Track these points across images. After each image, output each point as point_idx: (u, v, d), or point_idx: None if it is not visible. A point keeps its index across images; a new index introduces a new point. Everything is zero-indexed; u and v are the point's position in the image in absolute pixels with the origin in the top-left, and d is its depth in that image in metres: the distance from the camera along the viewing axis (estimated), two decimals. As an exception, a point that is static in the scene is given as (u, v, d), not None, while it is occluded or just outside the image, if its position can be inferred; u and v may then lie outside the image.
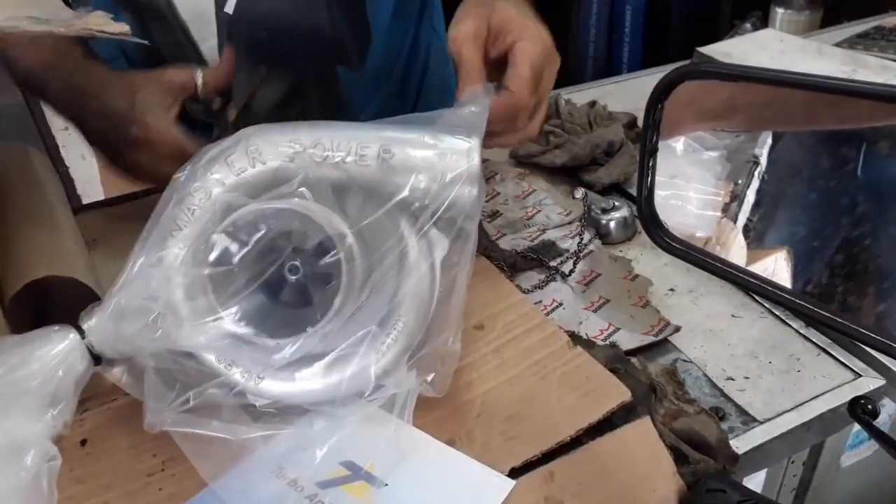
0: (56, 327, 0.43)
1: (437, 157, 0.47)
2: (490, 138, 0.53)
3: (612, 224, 0.73)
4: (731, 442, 0.51)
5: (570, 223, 0.75)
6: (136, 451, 0.51)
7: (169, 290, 0.45)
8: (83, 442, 0.51)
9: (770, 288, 0.44)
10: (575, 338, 0.59)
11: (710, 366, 0.59)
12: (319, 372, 0.48)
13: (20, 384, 0.38)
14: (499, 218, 0.77)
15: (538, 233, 0.74)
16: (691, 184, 0.61)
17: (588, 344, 0.58)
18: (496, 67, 0.58)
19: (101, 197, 0.96)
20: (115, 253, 0.68)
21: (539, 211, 0.78)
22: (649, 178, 0.39)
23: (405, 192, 0.47)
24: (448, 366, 0.49)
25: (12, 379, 0.38)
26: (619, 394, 0.51)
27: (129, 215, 0.79)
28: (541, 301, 0.65)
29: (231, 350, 0.47)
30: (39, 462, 0.37)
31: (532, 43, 0.56)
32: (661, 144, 0.41)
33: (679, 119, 0.46)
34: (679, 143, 0.55)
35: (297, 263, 0.48)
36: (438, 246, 0.48)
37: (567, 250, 0.71)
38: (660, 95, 0.36)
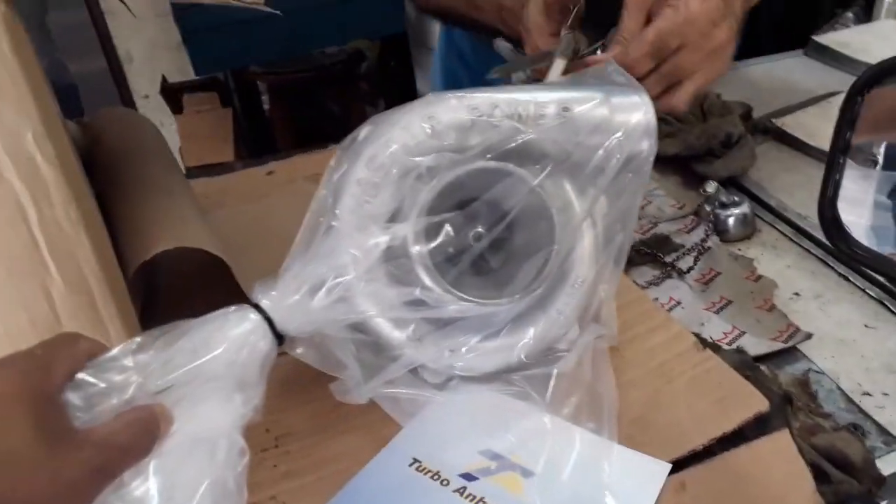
0: (232, 308, 0.41)
1: (616, 113, 0.46)
2: None
3: (732, 220, 0.69)
4: (874, 463, 0.48)
5: (683, 217, 0.72)
6: (249, 427, 0.50)
7: (351, 262, 0.43)
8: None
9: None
10: (699, 340, 0.56)
11: (844, 379, 0.55)
12: (503, 341, 0.48)
13: (206, 370, 0.37)
14: (607, 207, 0.74)
15: (650, 226, 0.71)
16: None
17: (713, 347, 0.55)
18: None
19: (181, 167, 0.97)
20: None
21: (650, 202, 0.74)
22: (837, 177, 0.36)
23: (582, 151, 0.46)
24: (611, 314, 0.50)
25: (198, 365, 0.37)
26: (756, 403, 0.48)
27: (212, 188, 0.78)
28: (657, 298, 0.62)
29: (420, 325, 0.46)
30: (230, 457, 0.36)
31: (673, 9, 0.56)
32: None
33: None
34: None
35: (481, 230, 0.47)
36: (598, 202, 0.48)
37: (682, 245, 0.68)
38: (861, 89, 0.33)
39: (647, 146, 0.46)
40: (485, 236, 0.47)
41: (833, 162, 0.35)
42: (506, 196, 0.46)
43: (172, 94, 2.20)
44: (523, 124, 0.45)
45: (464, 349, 0.47)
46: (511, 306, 0.47)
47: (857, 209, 0.72)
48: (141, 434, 0.33)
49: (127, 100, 2.50)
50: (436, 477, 0.45)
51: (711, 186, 0.66)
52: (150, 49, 2.60)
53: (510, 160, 0.46)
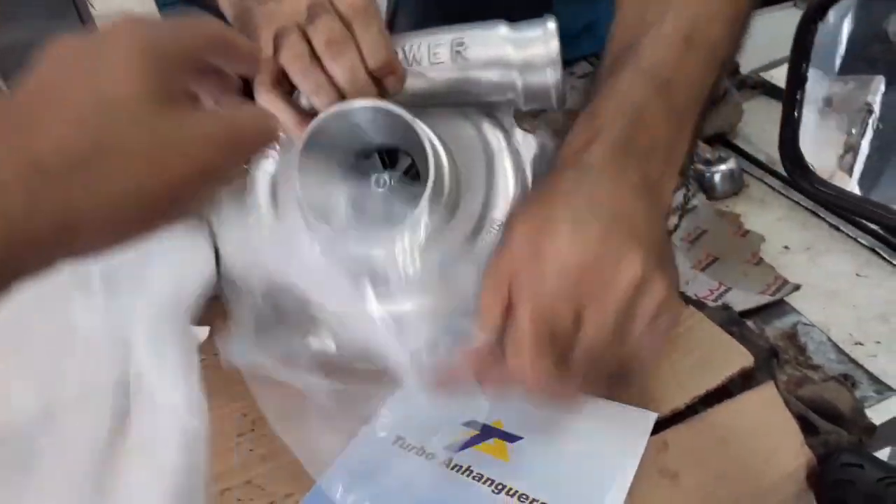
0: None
1: (513, 46, 0.45)
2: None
3: (717, 177, 0.67)
4: (865, 412, 0.46)
5: (669, 177, 0.70)
6: (224, 411, 0.50)
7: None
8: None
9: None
10: (683, 298, 0.54)
11: (835, 330, 0.54)
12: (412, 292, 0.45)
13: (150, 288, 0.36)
14: (591, 173, 0.73)
15: (634, 188, 0.69)
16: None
17: (698, 305, 0.54)
18: None
19: None
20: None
21: (634, 165, 0.73)
22: (796, 114, 0.34)
23: (483, 88, 0.45)
24: None
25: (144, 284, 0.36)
26: (739, 359, 0.47)
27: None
28: (641, 259, 0.60)
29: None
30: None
31: (536, 277, 0.37)
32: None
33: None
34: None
35: (385, 176, 0.46)
36: (525, 145, 0.46)
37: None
38: (814, 15, 0.31)
39: (551, 77, 0.45)
40: (385, 180, 0.46)
41: (791, 98, 0.33)
42: (394, 136, 0.45)
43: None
44: (419, 65, 0.44)
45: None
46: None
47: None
48: (262, 120, 0.30)
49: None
50: (420, 452, 0.45)
51: (688, 141, 0.64)
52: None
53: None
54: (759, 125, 0.77)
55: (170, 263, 0.39)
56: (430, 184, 0.42)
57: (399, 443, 0.46)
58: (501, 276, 0.38)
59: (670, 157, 0.42)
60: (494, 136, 0.47)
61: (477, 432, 0.46)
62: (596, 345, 0.37)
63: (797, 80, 0.33)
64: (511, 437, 0.45)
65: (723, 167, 0.67)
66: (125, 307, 0.38)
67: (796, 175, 0.36)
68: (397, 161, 0.49)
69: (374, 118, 0.44)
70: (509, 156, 0.47)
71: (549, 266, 0.36)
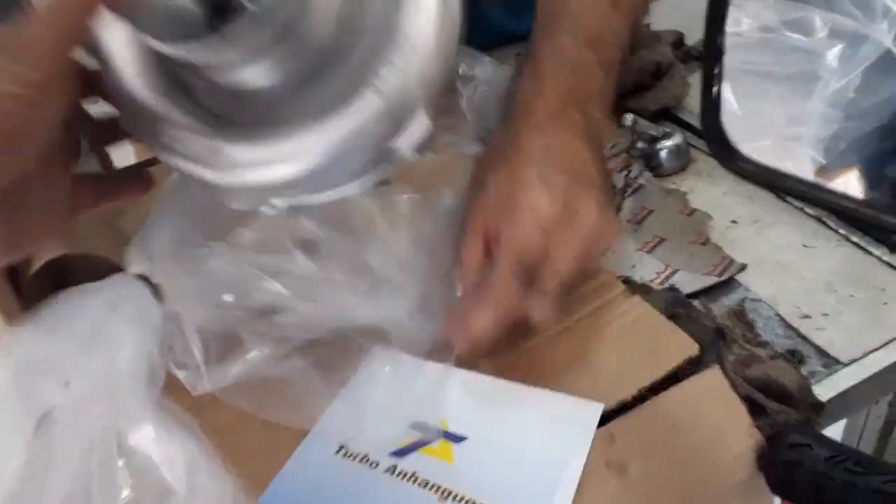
0: (119, 278, 0.38)
1: None
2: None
3: (664, 153, 0.66)
4: (813, 388, 0.46)
5: (615, 156, 0.69)
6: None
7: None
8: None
9: (855, 206, 0.38)
10: (629, 283, 0.53)
11: (783, 303, 0.53)
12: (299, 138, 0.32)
13: (109, 361, 0.35)
14: (537, 156, 0.71)
15: (581, 169, 0.68)
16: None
17: (644, 289, 0.53)
18: None
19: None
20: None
21: (581, 145, 0.71)
22: (716, 89, 0.33)
23: None
24: None
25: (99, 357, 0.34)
26: (685, 348, 0.46)
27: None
28: (588, 243, 0.59)
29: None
30: None
31: (515, 226, 0.44)
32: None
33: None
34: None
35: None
36: None
37: (613, 186, 0.65)
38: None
39: None
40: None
41: (709, 72, 0.32)
42: None
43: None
44: None
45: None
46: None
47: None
48: None
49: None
50: (364, 460, 0.44)
51: (628, 119, 0.63)
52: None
53: None
54: (705, 97, 0.76)
55: (129, 318, 0.39)
56: None
57: (342, 452, 0.44)
58: (478, 230, 0.46)
59: (604, 102, 0.51)
60: None
61: (423, 435, 0.45)
62: (563, 271, 0.45)
63: (713, 53, 0.31)
64: (456, 438, 0.44)
65: (669, 143, 0.66)
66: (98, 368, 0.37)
67: (720, 154, 0.35)
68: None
69: None
70: None
71: (526, 218, 0.44)
